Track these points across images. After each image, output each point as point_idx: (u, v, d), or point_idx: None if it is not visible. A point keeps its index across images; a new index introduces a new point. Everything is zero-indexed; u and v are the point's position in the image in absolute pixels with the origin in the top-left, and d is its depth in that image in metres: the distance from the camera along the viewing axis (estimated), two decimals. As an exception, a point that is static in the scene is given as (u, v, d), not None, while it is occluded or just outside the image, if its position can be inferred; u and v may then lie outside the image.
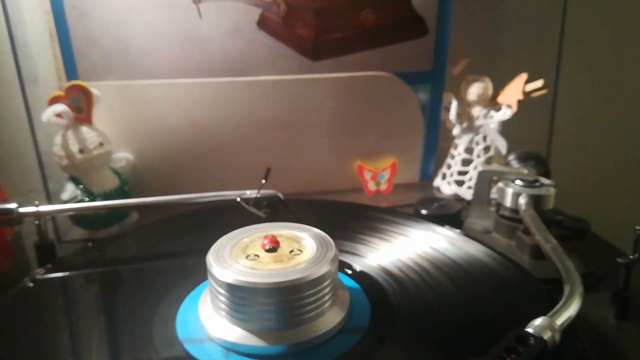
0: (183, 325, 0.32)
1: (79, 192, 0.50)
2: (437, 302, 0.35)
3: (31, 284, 0.38)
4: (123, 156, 0.57)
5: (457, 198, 0.61)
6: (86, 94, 0.51)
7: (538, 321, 0.28)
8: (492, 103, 0.59)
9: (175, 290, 0.36)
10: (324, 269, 0.30)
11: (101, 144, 0.51)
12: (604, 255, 0.45)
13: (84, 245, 0.45)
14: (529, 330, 0.28)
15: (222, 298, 0.30)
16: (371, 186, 0.63)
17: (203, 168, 0.60)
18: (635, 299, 0.38)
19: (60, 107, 0.49)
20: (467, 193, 0.60)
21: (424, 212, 0.52)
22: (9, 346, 0.31)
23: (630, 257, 0.37)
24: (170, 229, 0.48)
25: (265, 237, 0.33)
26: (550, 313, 0.29)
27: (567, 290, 0.32)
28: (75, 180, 0.51)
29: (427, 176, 0.67)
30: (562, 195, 0.48)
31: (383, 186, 0.63)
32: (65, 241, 0.53)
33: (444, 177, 0.64)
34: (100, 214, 0.51)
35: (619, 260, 0.37)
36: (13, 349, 0.31)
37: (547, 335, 0.27)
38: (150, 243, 0.46)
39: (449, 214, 0.52)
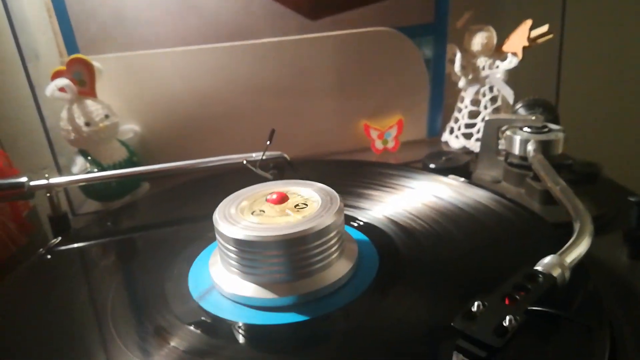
0: (195, 284, 0.33)
1: (88, 165, 0.51)
2: (445, 249, 0.35)
3: (48, 256, 0.39)
4: (130, 128, 0.58)
5: (466, 151, 0.61)
6: (87, 67, 0.51)
7: (547, 259, 0.28)
8: (497, 52, 0.58)
9: (186, 253, 0.36)
10: (329, 220, 0.30)
11: (107, 116, 0.52)
12: (616, 197, 0.44)
13: (98, 216, 0.46)
14: (538, 268, 0.28)
15: (231, 254, 0.30)
16: (378, 145, 0.63)
17: (209, 135, 0.61)
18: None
19: (63, 81, 0.49)
20: (475, 145, 0.60)
21: (432, 166, 0.52)
22: (26, 315, 0.32)
23: (642, 195, 0.37)
24: (180, 196, 0.48)
25: (272, 192, 0.33)
26: (560, 251, 0.29)
27: (576, 228, 0.32)
28: (84, 154, 0.51)
29: (435, 132, 0.66)
30: (572, 142, 0.47)
31: (390, 144, 0.63)
32: (79, 214, 0.54)
33: (451, 131, 0.63)
34: (112, 185, 0.52)
35: (631, 199, 0.37)
36: (30, 317, 0.31)
37: (556, 273, 0.27)
38: (161, 211, 0.46)
39: (457, 166, 0.51)
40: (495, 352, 0.22)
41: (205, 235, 0.38)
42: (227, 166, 0.48)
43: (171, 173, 0.46)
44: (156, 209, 0.47)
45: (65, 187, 0.49)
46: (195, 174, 0.51)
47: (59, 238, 0.41)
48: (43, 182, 0.43)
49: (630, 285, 0.35)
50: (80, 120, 0.50)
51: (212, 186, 0.49)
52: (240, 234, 0.29)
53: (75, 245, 0.41)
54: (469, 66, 0.59)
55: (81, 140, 0.51)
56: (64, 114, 0.51)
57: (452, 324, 0.23)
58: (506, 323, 0.23)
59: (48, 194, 0.43)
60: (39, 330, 0.30)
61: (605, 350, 0.24)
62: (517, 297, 0.25)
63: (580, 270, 0.30)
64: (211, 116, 0.60)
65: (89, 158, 0.51)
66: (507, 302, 0.25)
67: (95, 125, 0.51)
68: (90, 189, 0.52)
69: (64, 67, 0.51)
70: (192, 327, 0.29)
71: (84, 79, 0.51)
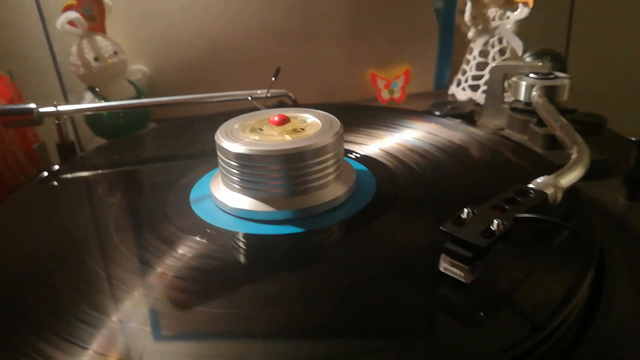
0: (197, 202, 0.34)
1: (96, 100, 0.52)
2: (443, 181, 0.36)
3: (54, 182, 0.40)
4: (138, 68, 0.58)
5: (473, 103, 0.60)
6: (98, 3, 0.51)
7: (541, 179, 0.29)
8: (508, 3, 0.57)
9: (189, 177, 0.37)
10: (327, 140, 0.31)
11: (116, 53, 0.52)
12: (620, 147, 0.44)
13: (101, 146, 0.46)
14: (531, 185, 0.28)
15: (232, 169, 0.31)
16: (384, 95, 0.63)
17: (217, 80, 0.61)
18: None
19: (73, 14, 0.49)
20: (482, 98, 0.59)
21: (437, 113, 0.52)
22: (30, 235, 0.32)
23: (643, 135, 0.37)
24: (184, 131, 0.49)
25: (274, 115, 0.34)
26: (555, 174, 0.29)
27: (573, 154, 0.32)
28: (93, 90, 0.52)
29: (442, 85, 0.66)
30: (580, 97, 0.47)
31: (397, 94, 0.63)
32: (86, 150, 0.55)
33: (458, 83, 0.63)
34: (120, 122, 0.53)
35: (632, 138, 0.37)
36: (34, 237, 0.32)
37: (549, 191, 0.28)
38: (166, 142, 0.47)
39: (461, 114, 0.51)
40: (480, 253, 0.23)
41: (208, 163, 0.38)
42: (233, 104, 0.48)
43: (177, 105, 0.47)
44: (161, 141, 0.48)
45: (73, 115, 0.50)
46: (201, 113, 0.52)
47: (58, 166, 0.41)
48: (52, 109, 0.43)
49: (627, 225, 0.35)
50: (89, 55, 0.51)
51: (216, 123, 0.49)
52: (242, 148, 0.30)
53: (81, 173, 0.41)
54: (479, 16, 0.59)
55: (90, 76, 0.51)
56: (74, 49, 0.51)
57: (440, 227, 0.24)
58: (494, 227, 0.24)
59: (57, 122, 0.44)
60: (42, 247, 0.31)
61: (593, 254, 0.25)
62: (507, 207, 0.25)
63: (573, 198, 0.30)
64: (220, 61, 0.60)
65: (97, 90, 0.52)
66: (496, 212, 0.25)
67: (104, 60, 0.51)
68: (98, 125, 0.53)
69: (74, 2, 0.51)
70: (197, 237, 0.29)
71: (94, 15, 0.52)
